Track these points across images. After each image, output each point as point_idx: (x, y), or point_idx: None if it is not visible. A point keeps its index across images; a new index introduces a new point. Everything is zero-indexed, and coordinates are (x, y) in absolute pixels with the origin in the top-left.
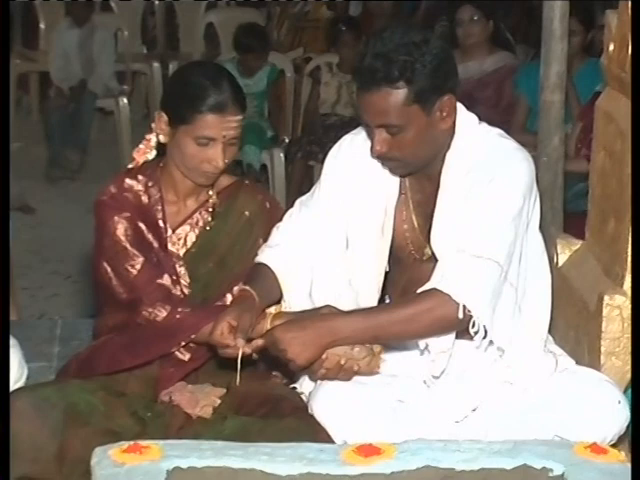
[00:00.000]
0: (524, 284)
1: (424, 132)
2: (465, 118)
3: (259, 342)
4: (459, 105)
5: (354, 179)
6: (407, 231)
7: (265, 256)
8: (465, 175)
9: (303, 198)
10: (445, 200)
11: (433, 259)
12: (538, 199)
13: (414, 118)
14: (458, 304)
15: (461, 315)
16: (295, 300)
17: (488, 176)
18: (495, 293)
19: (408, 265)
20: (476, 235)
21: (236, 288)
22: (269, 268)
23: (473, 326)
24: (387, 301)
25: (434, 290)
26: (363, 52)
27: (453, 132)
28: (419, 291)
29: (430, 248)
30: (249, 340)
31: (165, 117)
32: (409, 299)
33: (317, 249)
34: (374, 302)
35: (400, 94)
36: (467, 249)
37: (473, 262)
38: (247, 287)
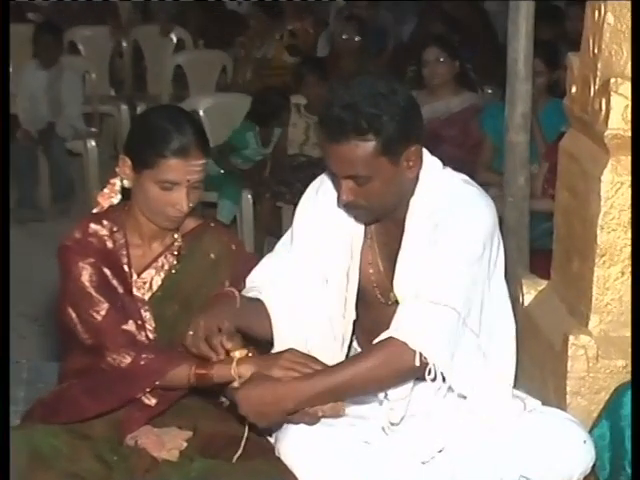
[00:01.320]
0: (488, 330)
1: (391, 181)
2: (429, 163)
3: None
4: (424, 151)
5: (323, 223)
6: (373, 275)
7: (254, 294)
8: (428, 220)
9: (280, 243)
10: (409, 245)
11: (398, 303)
12: (502, 246)
13: (382, 169)
14: (414, 351)
15: (418, 363)
16: (282, 332)
17: (449, 222)
18: (453, 339)
19: (375, 308)
20: (433, 281)
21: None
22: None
23: (429, 373)
24: (355, 345)
25: (390, 339)
26: (329, 101)
27: (417, 178)
28: (376, 341)
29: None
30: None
31: (129, 161)
32: (366, 352)
33: (298, 290)
34: (342, 346)
35: (368, 146)
36: (423, 295)
37: (429, 309)
38: (233, 290)
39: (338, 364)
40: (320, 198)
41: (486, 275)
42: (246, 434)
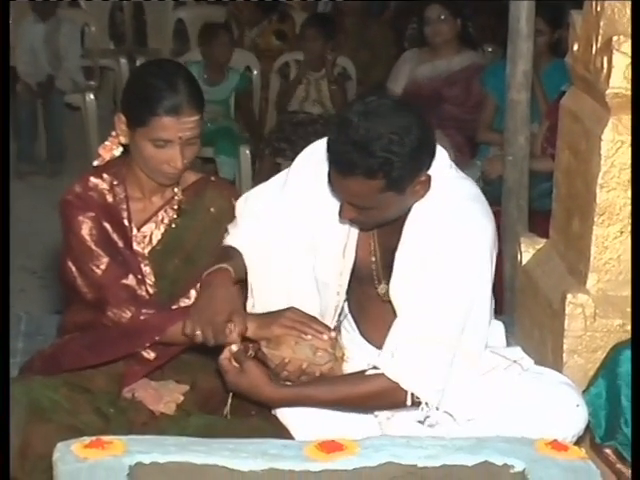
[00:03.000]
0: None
1: (394, 207)
2: (436, 165)
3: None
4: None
5: (322, 191)
6: (372, 263)
7: (235, 240)
8: (426, 229)
9: (271, 185)
10: (405, 252)
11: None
12: (495, 257)
13: (387, 200)
14: (406, 391)
15: (409, 402)
16: (257, 284)
17: (446, 249)
18: (446, 376)
19: (369, 285)
20: (425, 317)
21: (212, 269)
22: (238, 251)
23: (422, 409)
24: (347, 313)
25: (383, 376)
26: (341, 130)
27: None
28: (368, 373)
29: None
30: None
31: (124, 118)
32: (359, 380)
33: (284, 239)
34: (332, 314)
35: (375, 184)
36: (415, 331)
37: (421, 348)
38: (227, 266)
39: (329, 382)
40: (323, 164)
41: (488, 290)
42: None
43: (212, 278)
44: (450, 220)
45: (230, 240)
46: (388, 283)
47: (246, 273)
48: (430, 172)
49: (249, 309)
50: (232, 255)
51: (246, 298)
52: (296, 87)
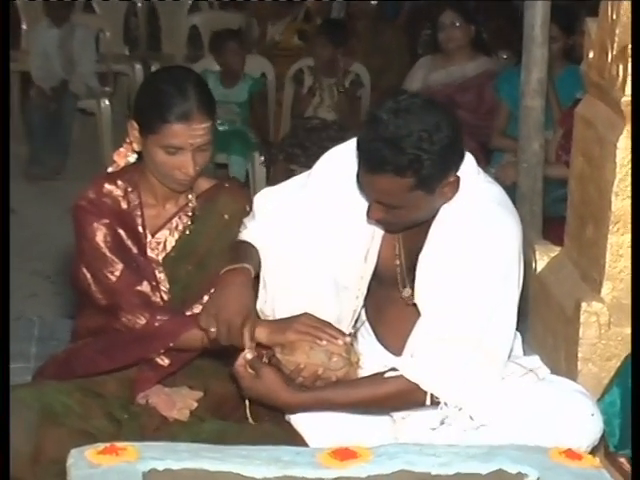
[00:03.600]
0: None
1: (423, 208)
2: (463, 171)
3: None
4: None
5: (344, 195)
6: (398, 267)
7: (252, 235)
8: (453, 232)
9: (291, 185)
10: (430, 254)
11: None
12: (522, 264)
13: (415, 200)
14: (426, 392)
15: (429, 402)
16: (272, 283)
17: (472, 251)
18: (466, 374)
19: (391, 288)
20: (447, 317)
21: (234, 266)
22: (254, 247)
23: (441, 408)
24: (364, 319)
25: (402, 377)
26: (372, 127)
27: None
28: (387, 375)
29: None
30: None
31: (136, 125)
32: (377, 381)
33: (302, 241)
34: (349, 318)
35: (405, 182)
36: (437, 331)
37: (442, 348)
38: (247, 266)
39: (348, 385)
40: (349, 167)
41: (514, 294)
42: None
43: (233, 277)
44: (477, 223)
45: (247, 235)
46: (413, 287)
47: (260, 269)
48: (459, 177)
49: (261, 305)
50: (250, 252)
51: (256, 293)
52: (312, 97)
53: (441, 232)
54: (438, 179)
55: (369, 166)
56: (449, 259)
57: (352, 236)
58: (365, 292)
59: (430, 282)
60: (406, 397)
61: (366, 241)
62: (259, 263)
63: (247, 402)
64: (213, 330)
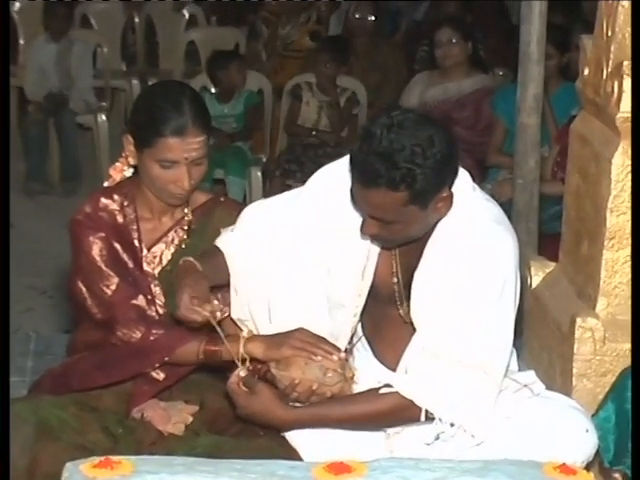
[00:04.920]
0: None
1: (417, 223)
2: (458, 187)
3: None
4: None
5: (339, 212)
6: (394, 285)
7: (225, 243)
8: (448, 248)
9: (283, 199)
10: (426, 271)
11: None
12: (519, 280)
13: (409, 215)
14: (420, 408)
15: (423, 418)
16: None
17: (468, 267)
18: (461, 391)
19: (389, 306)
20: (441, 334)
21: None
22: (222, 253)
23: (436, 424)
24: (360, 335)
25: (397, 394)
26: (365, 141)
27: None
28: (381, 391)
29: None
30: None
31: (131, 139)
32: (371, 397)
33: (292, 256)
34: (347, 335)
35: (398, 196)
36: (431, 348)
37: (436, 365)
38: (190, 259)
39: (342, 402)
40: (345, 186)
41: (510, 311)
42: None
43: (181, 268)
44: (473, 240)
45: (219, 241)
46: (409, 304)
47: (226, 275)
48: (454, 192)
49: (236, 311)
50: (211, 257)
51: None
52: (308, 113)
53: (437, 249)
54: (432, 194)
55: (362, 180)
56: (445, 276)
57: (348, 253)
58: (362, 309)
59: (426, 299)
60: (401, 413)
61: (362, 258)
62: (224, 269)
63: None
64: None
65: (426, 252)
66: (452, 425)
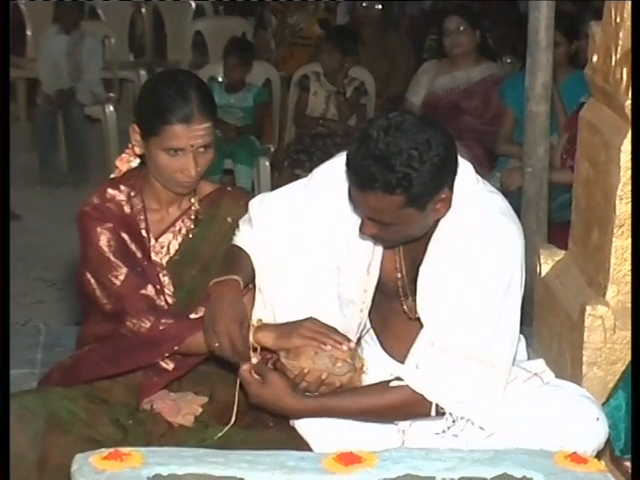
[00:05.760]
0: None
1: (415, 224)
2: (462, 181)
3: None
4: (460, 163)
5: (344, 208)
6: (399, 280)
7: (246, 242)
8: (452, 244)
9: (290, 193)
10: (431, 265)
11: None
12: (524, 271)
13: (406, 217)
14: (431, 403)
15: (434, 412)
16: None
17: (474, 262)
18: (471, 385)
19: (394, 300)
20: (450, 328)
21: (222, 278)
22: (246, 254)
23: (446, 419)
24: (369, 327)
25: (407, 387)
26: (361, 145)
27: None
28: (392, 384)
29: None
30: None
31: (137, 129)
32: (382, 390)
33: (302, 254)
34: (355, 330)
35: (395, 199)
36: (441, 343)
37: (446, 359)
38: (236, 277)
39: (353, 393)
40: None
41: (517, 302)
42: (237, 400)
43: (223, 289)
44: (478, 234)
45: (241, 240)
46: (415, 299)
47: (253, 277)
48: (457, 186)
49: (260, 310)
50: (241, 261)
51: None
52: (307, 100)
53: (442, 244)
54: (429, 197)
55: (358, 183)
56: (451, 271)
57: (353, 250)
58: (370, 304)
59: (432, 294)
60: (411, 407)
61: (367, 254)
62: (252, 271)
63: (236, 398)
64: (217, 345)
65: (431, 247)
66: (462, 419)
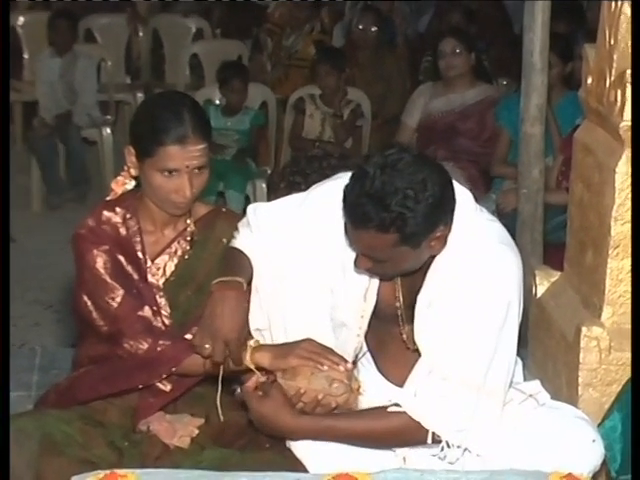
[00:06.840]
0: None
1: (409, 260)
2: (460, 210)
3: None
4: (458, 192)
5: (340, 235)
6: (394, 300)
7: (246, 245)
8: (449, 274)
9: (286, 208)
10: (430, 291)
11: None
12: (522, 299)
13: (400, 254)
14: (427, 430)
15: (430, 440)
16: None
17: (473, 291)
18: (468, 414)
19: (392, 325)
20: (449, 357)
21: (227, 278)
22: (247, 257)
23: (442, 448)
24: (365, 351)
25: (404, 414)
26: (357, 182)
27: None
28: (389, 410)
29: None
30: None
31: (133, 150)
32: (380, 415)
33: (297, 273)
34: (351, 354)
35: (389, 238)
36: (439, 371)
37: (443, 388)
38: (240, 279)
39: (350, 416)
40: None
41: (514, 332)
42: (219, 397)
43: (226, 291)
44: (477, 263)
45: (240, 243)
46: (412, 327)
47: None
48: (456, 215)
49: (255, 314)
50: (242, 263)
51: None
52: (303, 122)
53: (440, 272)
54: (423, 236)
55: (353, 221)
56: (449, 299)
57: (350, 275)
58: (366, 329)
59: (430, 322)
60: (408, 433)
61: (364, 281)
62: (251, 273)
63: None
64: (207, 347)
65: (429, 275)
66: (459, 447)
